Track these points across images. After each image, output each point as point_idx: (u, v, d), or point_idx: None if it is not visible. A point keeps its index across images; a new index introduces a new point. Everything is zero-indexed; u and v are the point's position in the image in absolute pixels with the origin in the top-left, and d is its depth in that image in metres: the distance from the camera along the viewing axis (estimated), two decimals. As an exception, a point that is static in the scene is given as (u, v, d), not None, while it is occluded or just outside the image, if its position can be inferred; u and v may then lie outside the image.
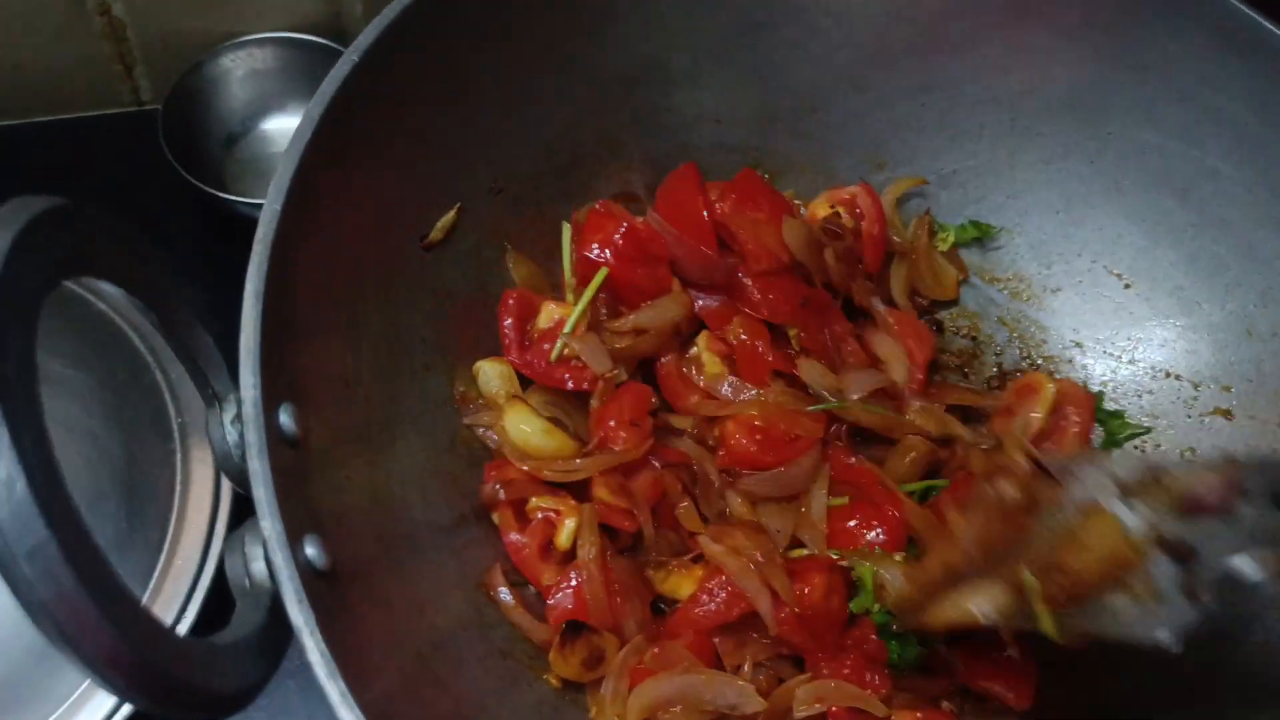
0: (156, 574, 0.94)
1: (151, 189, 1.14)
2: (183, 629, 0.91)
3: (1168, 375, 0.94)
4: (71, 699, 0.88)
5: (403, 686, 0.61)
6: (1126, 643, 0.67)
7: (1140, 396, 0.95)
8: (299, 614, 0.52)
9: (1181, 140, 0.91)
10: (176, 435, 1.00)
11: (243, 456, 0.55)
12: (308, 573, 0.54)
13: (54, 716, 0.87)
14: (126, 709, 0.88)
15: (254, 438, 0.55)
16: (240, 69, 1.20)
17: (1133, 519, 0.68)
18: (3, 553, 0.38)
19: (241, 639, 0.51)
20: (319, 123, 0.65)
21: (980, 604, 0.74)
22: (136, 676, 0.42)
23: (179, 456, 1.00)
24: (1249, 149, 0.89)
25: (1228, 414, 0.91)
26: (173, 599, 0.92)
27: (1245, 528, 0.68)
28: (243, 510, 0.98)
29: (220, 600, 0.94)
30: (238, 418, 0.56)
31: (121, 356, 1.04)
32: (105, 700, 0.88)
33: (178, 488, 0.98)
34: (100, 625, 0.40)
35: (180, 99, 1.16)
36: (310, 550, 0.55)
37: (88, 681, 0.89)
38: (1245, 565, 0.67)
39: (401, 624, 0.65)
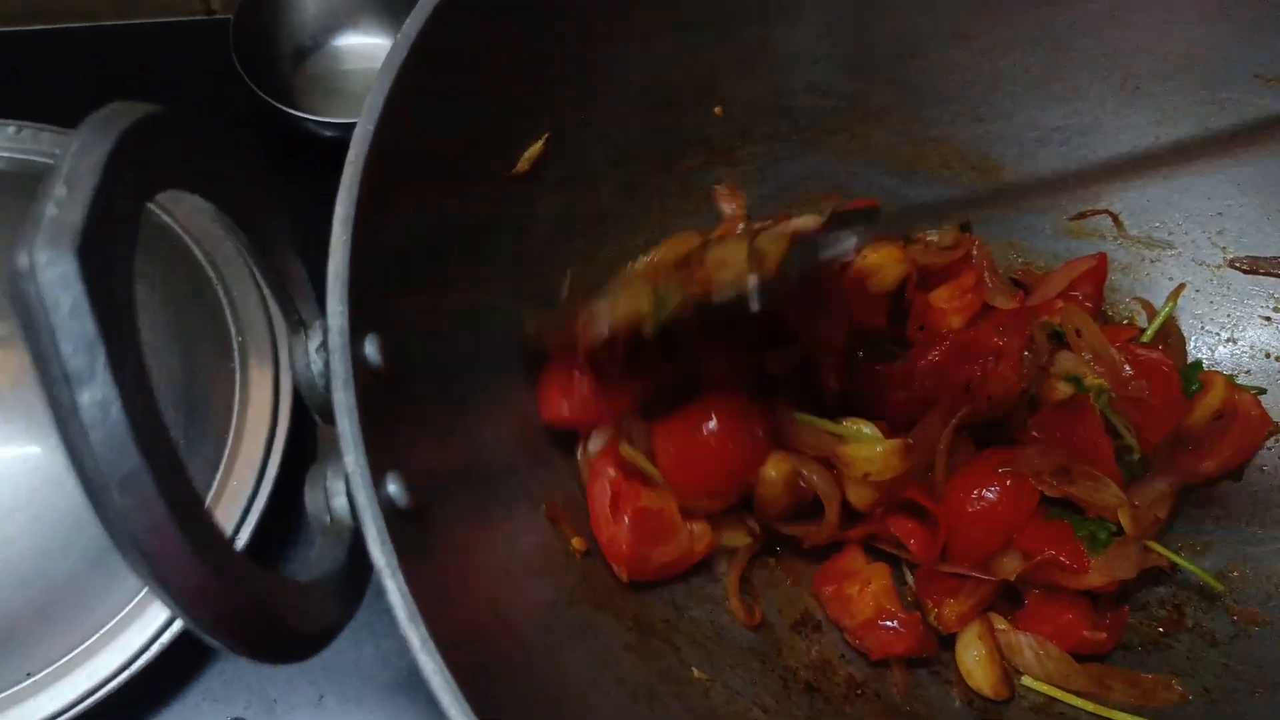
0: (212, 493, 0.93)
1: (218, 100, 1.12)
2: (237, 552, 0.90)
3: (1268, 356, 0.90)
4: (127, 609, 0.87)
5: (474, 630, 0.59)
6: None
7: (1237, 377, 0.91)
8: (381, 554, 0.50)
9: (1306, 109, 0.87)
10: (236, 354, 0.99)
11: (327, 386, 0.53)
12: (390, 511, 0.52)
13: (109, 625, 0.87)
14: (180, 622, 0.87)
15: (340, 367, 0.53)
16: (313, -18, 1.17)
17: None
18: (95, 479, 0.36)
19: (323, 578, 0.49)
20: (414, 41, 0.62)
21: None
22: (225, 615, 0.40)
23: (238, 376, 0.98)
24: (1377, 124, 0.84)
25: (1325, 404, 0.88)
26: (227, 521, 0.92)
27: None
28: (300, 435, 0.96)
29: (275, 524, 0.94)
30: (323, 346, 0.54)
31: (185, 271, 1.02)
32: (159, 612, 0.87)
33: (236, 407, 0.97)
34: (191, 561, 0.38)
35: (251, 10, 1.14)
36: (392, 488, 0.53)
37: (143, 592, 0.89)
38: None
39: (475, 567, 0.63)
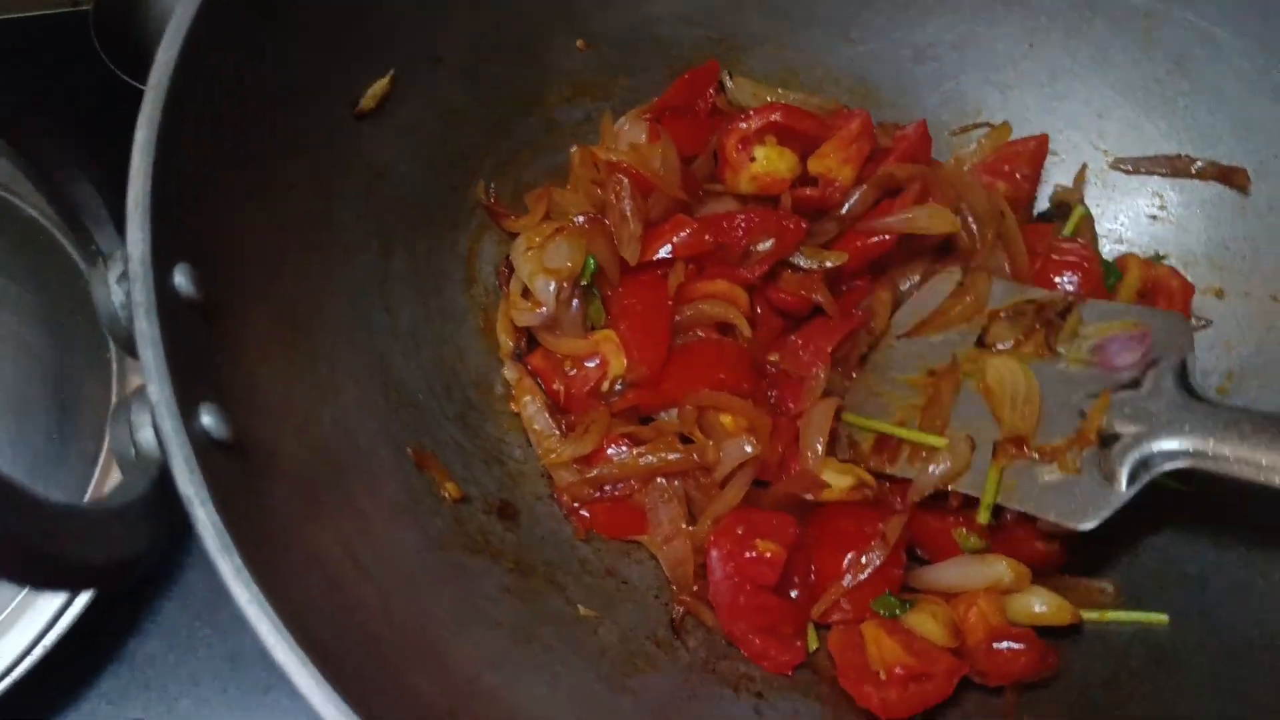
0: (91, 487, 0.90)
1: (88, 91, 1.09)
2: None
3: (1158, 254, 0.89)
4: (6, 612, 0.84)
5: (321, 574, 0.56)
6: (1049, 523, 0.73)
7: (1130, 278, 0.89)
8: (189, 483, 0.47)
9: (1176, 4, 0.85)
10: (112, 343, 0.96)
11: (130, 318, 0.50)
12: (203, 442, 0.49)
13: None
14: (71, 613, 0.84)
15: (142, 296, 0.50)
16: (173, -39, 1.14)
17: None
18: None
19: (117, 508, 0.46)
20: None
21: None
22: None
23: (115, 365, 0.95)
24: (1249, 13, 0.83)
25: (1219, 293, 0.86)
26: (107, 513, 0.88)
27: (1159, 412, 0.71)
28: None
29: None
30: (124, 276, 0.51)
31: (53, 263, 0.99)
32: (43, 613, 0.84)
33: (113, 398, 0.94)
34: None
35: (112, -2, 1.10)
36: (207, 419, 0.50)
37: (22, 594, 0.85)
38: (1167, 446, 0.70)
39: (323, 509, 0.60)
